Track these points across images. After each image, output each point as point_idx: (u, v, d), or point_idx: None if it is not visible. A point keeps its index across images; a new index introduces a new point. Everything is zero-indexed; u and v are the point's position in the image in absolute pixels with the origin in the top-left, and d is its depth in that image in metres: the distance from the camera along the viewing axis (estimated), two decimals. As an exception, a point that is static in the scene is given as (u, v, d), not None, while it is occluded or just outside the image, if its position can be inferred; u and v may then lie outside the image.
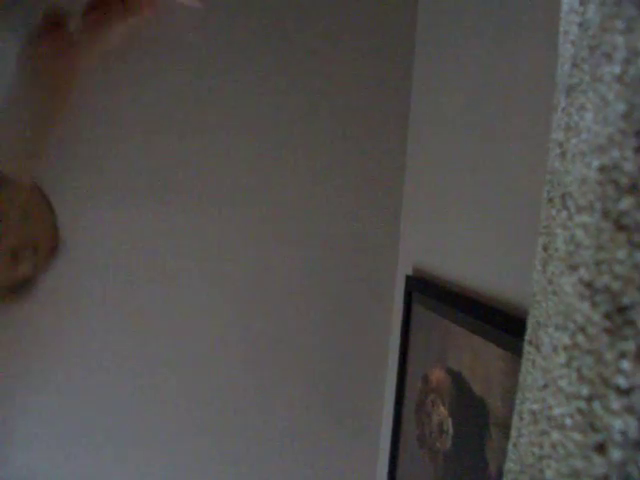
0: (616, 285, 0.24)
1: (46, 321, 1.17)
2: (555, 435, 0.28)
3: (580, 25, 0.33)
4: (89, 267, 1.18)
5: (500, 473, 0.79)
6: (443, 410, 1.00)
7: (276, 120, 1.24)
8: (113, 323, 1.21)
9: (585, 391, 0.26)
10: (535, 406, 0.32)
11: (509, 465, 0.39)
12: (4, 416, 1.17)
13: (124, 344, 1.22)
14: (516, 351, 0.77)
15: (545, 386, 0.31)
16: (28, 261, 0.61)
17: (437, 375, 1.03)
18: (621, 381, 0.24)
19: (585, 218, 0.27)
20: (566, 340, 0.28)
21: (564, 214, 0.31)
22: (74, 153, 1.16)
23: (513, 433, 0.39)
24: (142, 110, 1.18)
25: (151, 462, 1.25)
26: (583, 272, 0.27)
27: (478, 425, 0.87)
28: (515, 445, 0.37)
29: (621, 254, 0.24)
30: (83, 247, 1.17)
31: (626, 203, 0.24)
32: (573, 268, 0.28)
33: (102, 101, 1.16)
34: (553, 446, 0.29)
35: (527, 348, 0.37)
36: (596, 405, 0.25)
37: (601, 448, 0.25)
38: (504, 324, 0.80)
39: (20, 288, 0.64)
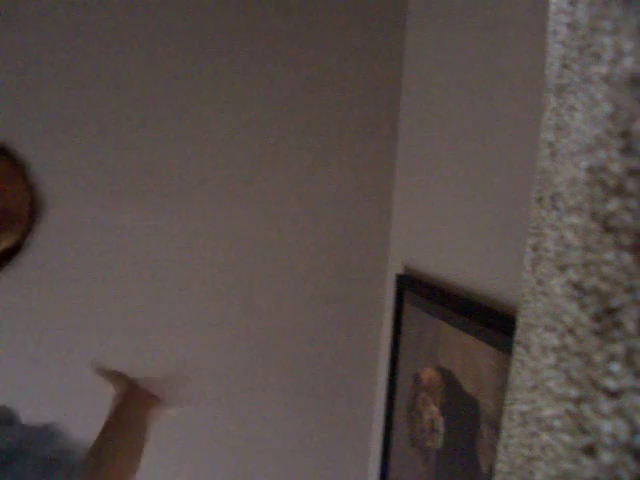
0: (604, 287, 0.24)
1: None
2: (545, 437, 0.28)
3: (569, 25, 0.33)
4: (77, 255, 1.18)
5: (492, 472, 0.79)
6: (434, 409, 1.00)
7: (266, 120, 1.23)
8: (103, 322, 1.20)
9: (574, 393, 0.26)
10: (525, 407, 0.32)
11: (499, 466, 0.39)
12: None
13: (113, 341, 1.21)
14: (507, 349, 0.77)
15: (534, 387, 0.31)
16: (9, 230, 0.60)
17: (428, 374, 1.03)
18: (610, 383, 0.24)
19: (574, 219, 0.27)
20: (555, 341, 0.28)
21: (554, 214, 0.31)
22: (63, 138, 1.15)
23: (503, 434, 0.38)
24: (133, 101, 1.17)
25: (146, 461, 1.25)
26: (572, 273, 0.26)
27: (469, 424, 0.87)
28: (505, 446, 0.37)
29: (609, 255, 0.24)
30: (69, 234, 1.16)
31: (613, 205, 0.24)
32: (562, 269, 0.28)
33: (94, 92, 1.14)
34: (543, 448, 0.28)
35: (516, 348, 0.37)
36: (585, 407, 0.25)
37: (591, 450, 0.24)
38: (495, 322, 0.80)
39: (6, 257, 0.64)
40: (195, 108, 1.20)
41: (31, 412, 0.77)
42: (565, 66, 0.33)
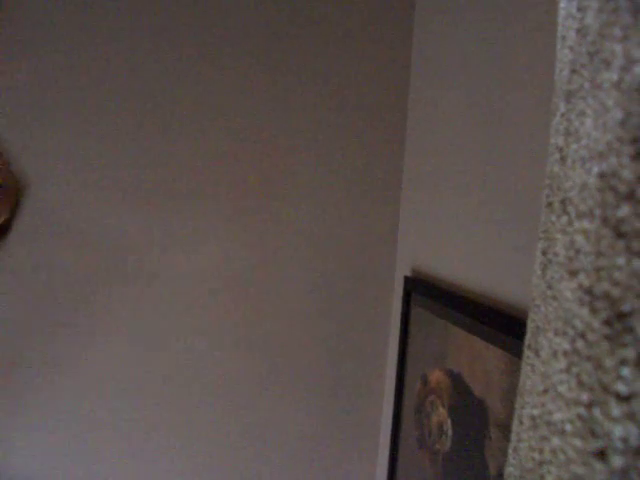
0: (616, 292, 0.24)
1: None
2: (555, 441, 0.29)
3: (578, 31, 0.33)
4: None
5: (500, 474, 0.79)
6: (442, 411, 1.00)
7: (273, 121, 1.23)
8: (111, 323, 1.20)
9: (585, 397, 0.26)
10: (535, 411, 0.33)
11: (509, 470, 0.39)
12: None
13: (118, 348, 1.21)
14: (515, 352, 0.77)
15: (545, 391, 0.31)
16: (3, 204, 0.62)
17: (436, 376, 1.03)
18: (621, 388, 0.24)
19: (585, 224, 0.27)
20: (566, 346, 0.28)
21: (564, 219, 0.31)
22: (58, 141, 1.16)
23: (513, 437, 0.39)
24: (134, 101, 1.18)
25: (148, 462, 1.25)
26: (583, 278, 0.27)
27: (478, 426, 0.87)
28: (515, 450, 0.37)
29: (620, 261, 0.24)
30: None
31: (624, 210, 0.24)
32: (573, 274, 0.28)
33: (93, 91, 1.15)
34: (553, 452, 0.29)
35: (526, 352, 0.37)
36: (596, 411, 0.25)
37: (602, 455, 0.25)
38: (503, 325, 0.81)
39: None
40: (198, 104, 1.20)
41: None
42: (574, 72, 0.34)
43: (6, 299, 1.14)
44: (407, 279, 1.18)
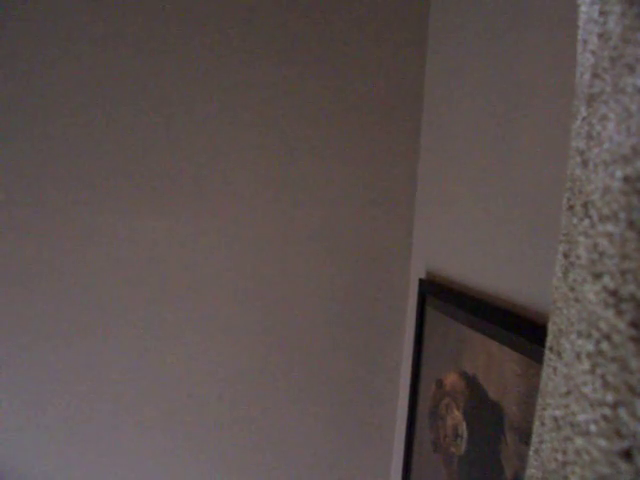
0: (641, 294, 0.25)
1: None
2: (579, 441, 0.29)
3: (600, 35, 0.33)
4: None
5: (515, 478, 0.79)
6: (458, 414, 1.00)
7: (285, 126, 1.24)
8: (113, 324, 1.22)
9: (610, 398, 0.26)
10: (557, 412, 0.33)
11: (530, 471, 0.39)
12: None
13: (125, 354, 1.23)
14: (531, 355, 0.77)
15: (568, 393, 0.31)
16: None
17: (451, 379, 1.03)
18: (647, 388, 0.24)
19: (609, 227, 0.27)
20: (590, 347, 0.29)
21: (586, 222, 0.31)
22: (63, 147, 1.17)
23: (534, 439, 0.39)
24: (140, 107, 1.19)
25: (161, 467, 1.26)
26: (607, 280, 0.27)
27: (493, 429, 0.86)
28: (537, 451, 0.37)
29: (646, 263, 0.25)
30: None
31: (650, 213, 0.24)
32: (597, 276, 0.28)
33: (96, 99, 1.17)
34: (577, 452, 0.29)
35: (548, 355, 0.38)
36: (622, 412, 0.25)
37: (627, 455, 0.25)
38: (519, 328, 0.80)
39: None
40: (208, 105, 1.21)
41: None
42: (596, 76, 0.34)
43: (13, 303, 1.16)
44: (422, 282, 1.18)
